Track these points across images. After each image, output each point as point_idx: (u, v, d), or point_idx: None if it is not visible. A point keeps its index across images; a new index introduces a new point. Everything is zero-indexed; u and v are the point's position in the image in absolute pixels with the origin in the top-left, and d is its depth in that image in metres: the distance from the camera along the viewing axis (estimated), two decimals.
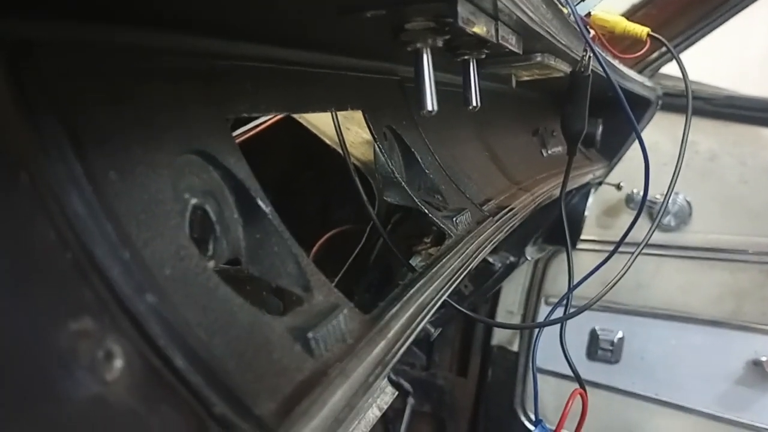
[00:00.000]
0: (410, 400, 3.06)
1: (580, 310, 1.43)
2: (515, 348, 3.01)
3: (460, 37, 0.70)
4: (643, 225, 1.57)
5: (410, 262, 1.02)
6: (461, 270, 0.93)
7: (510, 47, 0.85)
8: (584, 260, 2.64)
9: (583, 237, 2.64)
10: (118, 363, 0.41)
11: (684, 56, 2.33)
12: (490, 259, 2.44)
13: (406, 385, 3.06)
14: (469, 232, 1.04)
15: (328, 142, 1.25)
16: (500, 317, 3.00)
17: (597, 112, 2.12)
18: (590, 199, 2.51)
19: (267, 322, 0.54)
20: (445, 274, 0.87)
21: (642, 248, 1.51)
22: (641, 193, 1.59)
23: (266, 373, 0.49)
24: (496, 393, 3.07)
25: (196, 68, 0.63)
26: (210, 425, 0.43)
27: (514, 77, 1.32)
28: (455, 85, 1.37)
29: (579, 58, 1.29)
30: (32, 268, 0.40)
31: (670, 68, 2.55)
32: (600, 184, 2.64)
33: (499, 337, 3.05)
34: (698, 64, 2.49)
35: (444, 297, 0.84)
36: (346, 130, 1.31)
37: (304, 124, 1.26)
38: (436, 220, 1.01)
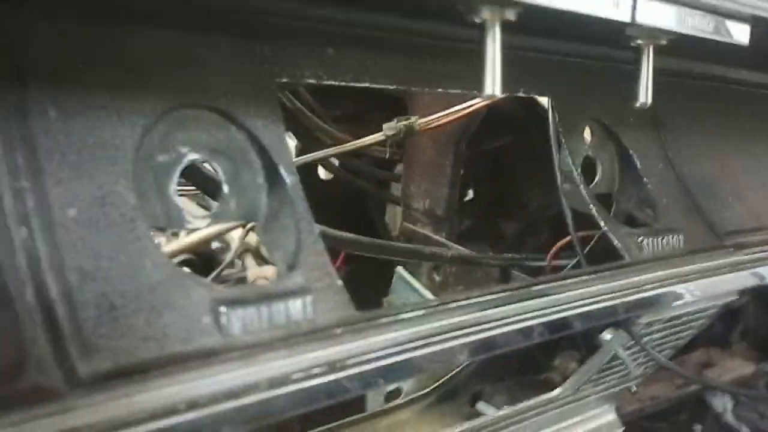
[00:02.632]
0: None
1: None
2: None
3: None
4: None
5: None
6: (607, 300, 0.75)
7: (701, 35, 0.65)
8: None
9: None
10: None
11: None
12: None
13: None
14: (658, 258, 0.83)
15: None
16: None
17: None
18: None
19: (185, 285, 0.52)
20: (563, 295, 0.72)
21: None
22: None
23: (132, 332, 0.48)
24: None
25: (239, 26, 0.62)
26: (26, 360, 0.44)
27: None
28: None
29: None
30: None
31: None
32: None
33: None
34: None
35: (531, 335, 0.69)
36: None
37: None
38: (610, 235, 0.83)
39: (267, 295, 0.54)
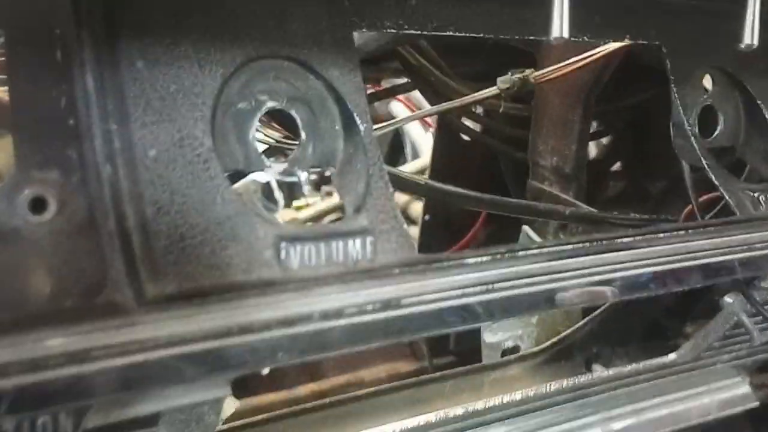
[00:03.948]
0: None
1: None
2: None
3: None
4: None
5: None
6: (710, 253, 0.71)
7: None
8: None
9: None
10: (54, 207, 0.51)
11: None
12: None
13: None
14: None
15: None
16: None
17: None
18: None
19: (251, 222, 0.56)
20: (663, 248, 0.69)
21: None
22: None
23: (197, 261, 0.53)
24: None
25: None
26: (105, 280, 0.50)
27: None
28: None
29: None
30: (37, 127, 0.53)
31: None
32: None
33: None
34: None
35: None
36: None
37: None
38: (722, 190, 0.77)
39: (328, 234, 0.57)
